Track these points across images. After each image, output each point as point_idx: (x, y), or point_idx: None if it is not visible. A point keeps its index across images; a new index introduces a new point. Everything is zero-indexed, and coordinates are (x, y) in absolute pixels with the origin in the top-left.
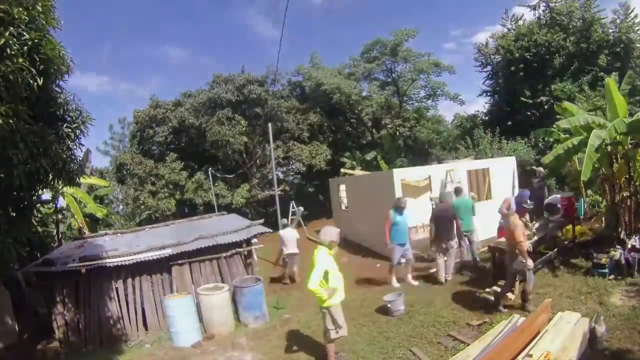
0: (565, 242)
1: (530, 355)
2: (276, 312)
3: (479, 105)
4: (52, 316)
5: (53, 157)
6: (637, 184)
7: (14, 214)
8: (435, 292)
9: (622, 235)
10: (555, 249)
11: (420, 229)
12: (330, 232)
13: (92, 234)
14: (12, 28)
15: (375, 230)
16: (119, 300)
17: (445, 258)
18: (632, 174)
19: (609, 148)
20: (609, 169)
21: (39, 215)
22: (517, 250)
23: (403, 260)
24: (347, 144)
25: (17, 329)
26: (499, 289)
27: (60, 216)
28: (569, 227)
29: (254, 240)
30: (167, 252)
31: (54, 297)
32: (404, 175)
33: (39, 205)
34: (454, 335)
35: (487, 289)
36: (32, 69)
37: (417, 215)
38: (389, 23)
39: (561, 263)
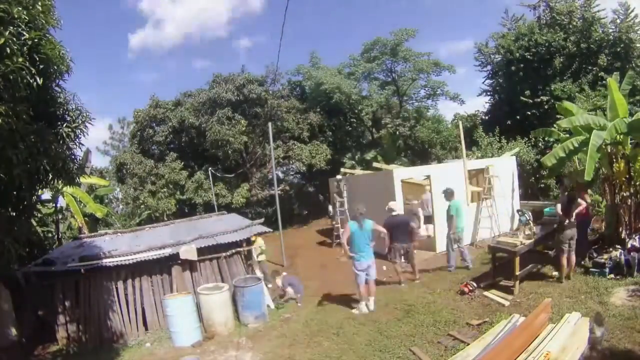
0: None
1: None
2: (276, 312)
3: (479, 105)
4: (53, 316)
5: (53, 157)
6: (637, 184)
7: (14, 214)
8: (435, 292)
9: (622, 235)
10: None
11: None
12: None
13: (92, 234)
14: (11, 27)
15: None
16: (119, 300)
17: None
18: (632, 174)
19: (609, 148)
20: (609, 169)
21: (39, 215)
22: None
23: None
24: (347, 144)
25: (17, 329)
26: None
27: (60, 216)
28: None
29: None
30: (167, 252)
31: (54, 297)
32: (404, 174)
33: (39, 205)
34: (454, 335)
35: (485, 292)
36: (32, 69)
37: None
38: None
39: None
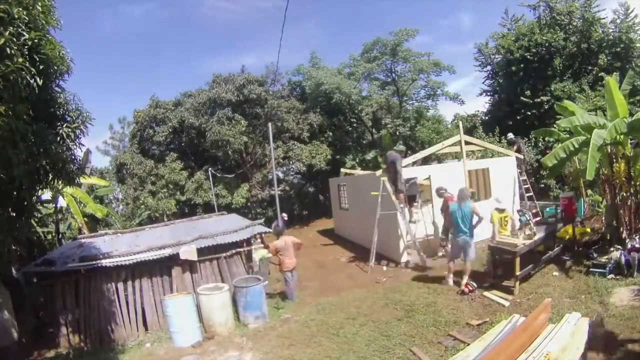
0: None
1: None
2: (276, 312)
3: (479, 105)
4: (53, 316)
5: (53, 157)
6: (637, 184)
7: (14, 214)
8: (435, 292)
9: (622, 235)
10: (561, 246)
11: None
12: None
13: (92, 234)
14: (11, 28)
15: (375, 229)
16: (119, 300)
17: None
18: (632, 174)
19: (609, 148)
20: (609, 169)
21: (39, 215)
22: None
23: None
24: (347, 144)
25: (17, 329)
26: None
27: (60, 216)
28: (569, 227)
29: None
30: (167, 252)
31: (54, 297)
32: (404, 174)
33: (39, 205)
34: (454, 335)
35: (485, 292)
36: (32, 69)
37: None
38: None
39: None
